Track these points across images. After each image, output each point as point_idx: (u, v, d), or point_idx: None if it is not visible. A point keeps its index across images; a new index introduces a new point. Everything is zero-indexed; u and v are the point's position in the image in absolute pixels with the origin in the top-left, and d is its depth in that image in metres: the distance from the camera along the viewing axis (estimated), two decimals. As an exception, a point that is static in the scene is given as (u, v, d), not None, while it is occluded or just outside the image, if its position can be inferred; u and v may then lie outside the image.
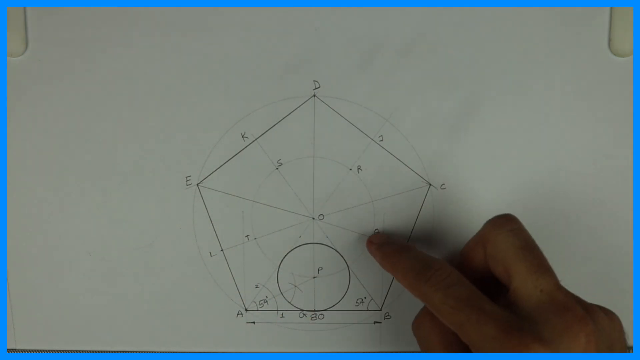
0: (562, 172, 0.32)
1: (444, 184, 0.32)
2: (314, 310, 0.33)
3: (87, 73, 0.31)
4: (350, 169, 0.32)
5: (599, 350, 0.24)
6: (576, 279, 0.32)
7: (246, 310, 0.33)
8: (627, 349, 0.27)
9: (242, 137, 0.32)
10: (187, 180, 0.32)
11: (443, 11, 0.31)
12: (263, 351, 0.34)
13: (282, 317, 0.33)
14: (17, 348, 0.33)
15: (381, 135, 0.32)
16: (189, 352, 0.33)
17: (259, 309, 0.33)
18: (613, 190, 0.32)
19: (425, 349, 0.28)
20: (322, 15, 0.31)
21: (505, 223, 0.27)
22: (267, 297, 0.33)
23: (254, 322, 0.33)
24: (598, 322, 0.25)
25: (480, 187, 0.32)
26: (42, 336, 0.33)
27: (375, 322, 0.33)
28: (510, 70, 0.31)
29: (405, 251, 0.29)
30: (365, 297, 0.33)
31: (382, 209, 0.32)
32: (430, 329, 0.27)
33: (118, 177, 0.32)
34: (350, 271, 0.33)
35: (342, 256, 0.33)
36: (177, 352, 0.33)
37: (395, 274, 0.29)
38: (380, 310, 0.33)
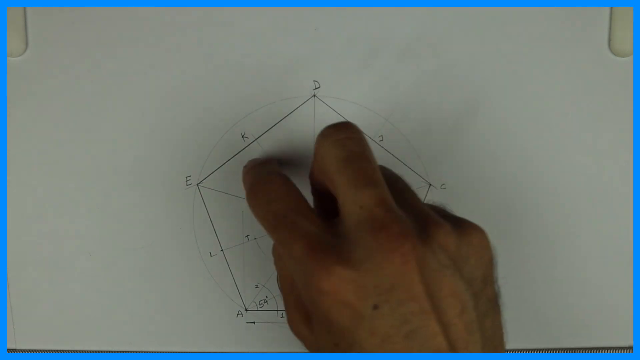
0: (561, 172, 0.32)
1: (444, 184, 0.32)
2: (314, 310, 0.33)
3: (87, 73, 0.31)
4: (350, 169, 0.32)
5: (427, 270, 0.21)
6: (576, 278, 0.32)
7: (246, 310, 0.33)
8: (490, 265, 0.23)
9: (242, 137, 0.32)
10: (187, 180, 0.32)
11: (443, 11, 0.31)
12: (263, 351, 0.33)
13: (282, 317, 0.33)
14: (17, 348, 0.33)
15: (381, 135, 0.32)
16: (189, 352, 0.33)
17: (259, 309, 0.33)
18: (613, 190, 0.32)
19: (278, 271, 0.26)
20: (322, 15, 0.31)
21: (332, 133, 0.24)
22: (267, 297, 0.33)
23: (254, 322, 0.33)
24: (429, 240, 0.22)
25: (480, 187, 0.32)
26: (42, 336, 0.33)
27: (375, 322, 0.33)
28: (510, 70, 0.31)
29: (259, 165, 0.28)
30: (365, 297, 0.33)
31: (382, 209, 0.32)
32: (281, 254, 0.25)
33: (118, 177, 0.32)
34: (350, 271, 0.33)
35: (342, 256, 0.33)
36: (177, 352, 0.33)
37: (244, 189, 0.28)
38: (380, 310, 0.33)
